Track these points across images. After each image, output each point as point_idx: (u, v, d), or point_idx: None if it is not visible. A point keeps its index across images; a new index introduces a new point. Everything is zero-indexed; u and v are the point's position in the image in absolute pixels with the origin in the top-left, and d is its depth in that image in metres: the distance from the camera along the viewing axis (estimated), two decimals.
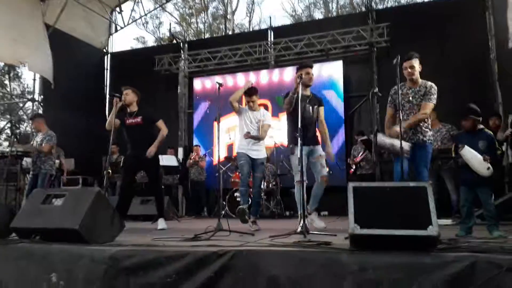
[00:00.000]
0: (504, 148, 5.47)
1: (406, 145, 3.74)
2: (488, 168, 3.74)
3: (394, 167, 4.08)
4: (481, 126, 3.99)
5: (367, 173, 7.85)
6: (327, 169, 4.66)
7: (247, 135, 4.97)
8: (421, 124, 4.06)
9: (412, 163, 4.04)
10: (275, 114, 10.05)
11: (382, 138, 3.91)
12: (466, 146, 3.82)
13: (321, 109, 4.69)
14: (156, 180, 5.34)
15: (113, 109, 4.94)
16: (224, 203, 8.02)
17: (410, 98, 4.11)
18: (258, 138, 5.02)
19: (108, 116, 5.00)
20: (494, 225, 3.79)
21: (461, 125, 4.08)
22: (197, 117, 10.82)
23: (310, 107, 4.53)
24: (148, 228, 5.09)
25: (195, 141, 10.60)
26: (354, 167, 8.02)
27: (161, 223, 5.06)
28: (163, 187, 7.52)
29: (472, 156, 3.79)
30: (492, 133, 4.01)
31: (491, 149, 3.86)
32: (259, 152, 5.09)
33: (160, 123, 5.25)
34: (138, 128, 5.09)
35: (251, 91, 5.06)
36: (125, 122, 5.13)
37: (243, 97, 5.19)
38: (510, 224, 5.37)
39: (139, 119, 5.11)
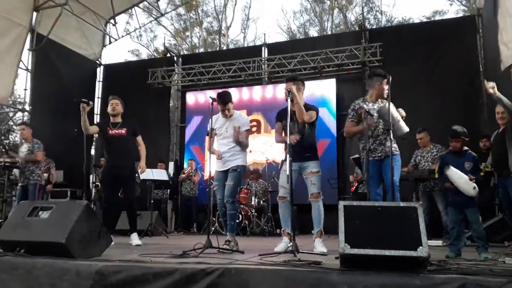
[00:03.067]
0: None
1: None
2: (474, 188, 3.77)
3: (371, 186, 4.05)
4: (466, 148, 4.04)
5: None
6: (317, 186, 4.26)
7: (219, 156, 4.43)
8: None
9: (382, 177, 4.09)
10: (267, 130, 10.10)
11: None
12: (451, 167, 3.84)
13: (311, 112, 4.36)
14: (132, 194, 5.18)
15: (82, 115, 4.78)
16: (214, 219, 7.95)
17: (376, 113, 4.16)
18: (240, 144, 4.47)
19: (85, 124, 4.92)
20: (483, 246, 3.79)
21: (451, 146, 4.11)
22: (189, 131, 10.79)
23: (294, 123, 4.26)
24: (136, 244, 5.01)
25: (187, 156, 10.54)
26: (356, 184, 7.96)
27: (135, 239, 4.94)
28: (152, 201, 7.44)
29: (458, 176, 3.81)
30: (476, 155, 4.05)
31: (476, 170, 3.92)
32: (234, 161, 4.45)
33: (140, 139, 5.20)
34: (121, 139, 5.02)
35: (224, 98, 4.40)
36: (107, 132, 5.05)
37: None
38: (500, 246, 5.38)
39: (123, 130, 5.04)
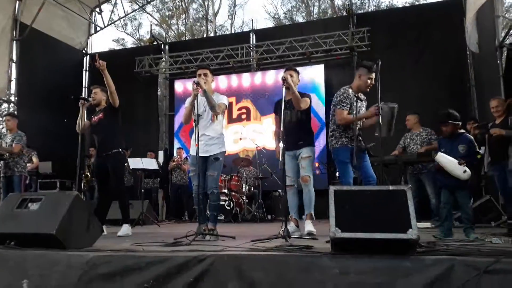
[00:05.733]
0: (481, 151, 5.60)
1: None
2: (465, 171, 3.80)
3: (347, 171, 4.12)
4: (462, 130, 4.06)
5: (355, 176, 7.81)
6: (307, 169, 4.33)
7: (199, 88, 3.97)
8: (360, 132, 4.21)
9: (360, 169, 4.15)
10: (257, 118, 10.09)
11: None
12: (439, 152, 3.89)
13: (304, 99, 4.39)
14: (118, 184, 4.95)
15: (80, 111, 4.78)
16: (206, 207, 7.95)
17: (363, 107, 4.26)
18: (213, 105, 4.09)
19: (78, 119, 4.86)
20: (470, 227, 3.87)
21: (441, 131, 4.16)
22: (178, 119, 10.72)
23: (288, 111, 4.34)
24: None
25: (177, 144, 10.50)
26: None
27: (124, 229, 4.80)
28: (142, 190, 7.41)
29: (447, 161, 3.85)
30: (472, 137, 4.08)
31: (471, 153, 3.92)
32: (212, 146, 4.19)
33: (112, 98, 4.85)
34: (100, 123, 4.92)
35: (204, 65, 4.34)
36: (92, 121, 5.01)
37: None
38: (486, 226, 5.50)
39: (101, 114, 4.95)
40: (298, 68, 4.70)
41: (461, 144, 3.95)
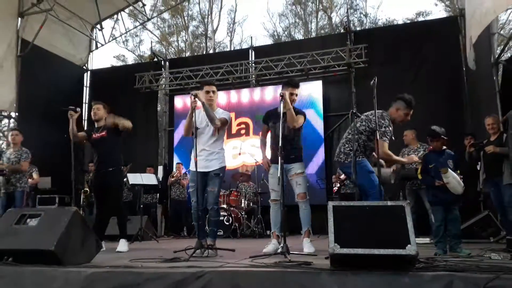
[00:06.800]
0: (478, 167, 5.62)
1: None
2: (463, 187, 3.94)
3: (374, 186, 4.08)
4: (444, 147, 4.16)
5: (352, 192, 7.81)
6: (303, 186, 4.33)
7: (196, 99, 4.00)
8: None
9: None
10: (256, 133, 10.11)
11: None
12: (449, 170, 3.95)
13: (299, 117, 4.37)
14: (117, 202, 5.04)
15: (70, 122, 4.82)
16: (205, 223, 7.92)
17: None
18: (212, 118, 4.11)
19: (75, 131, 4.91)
20: (460, 242, 3.94)
21: (433, 146, 4.23)
22: (177, 135, 10.76)
23: (284, 125, 4.20)
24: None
25: (176, 160, 10.50)
26: (338, 185, 7.99)
27: (121, 245, 4.83)
28: (141, 206, 7.39)
29: (454, 176, 3.93)
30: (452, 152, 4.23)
31: (457, 168, 4.10)
32: (213, 161, 4.19)
33: (119, 119, 4.92)
34: (103, 141, 4.94)
35: (210, 80, 4.40)
36: (91, 138, 5.02)
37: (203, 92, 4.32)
38: (485, 242, 5.47)
39: (104, 132, 4.97)
40: None
41: (450, 159, 4.09)
